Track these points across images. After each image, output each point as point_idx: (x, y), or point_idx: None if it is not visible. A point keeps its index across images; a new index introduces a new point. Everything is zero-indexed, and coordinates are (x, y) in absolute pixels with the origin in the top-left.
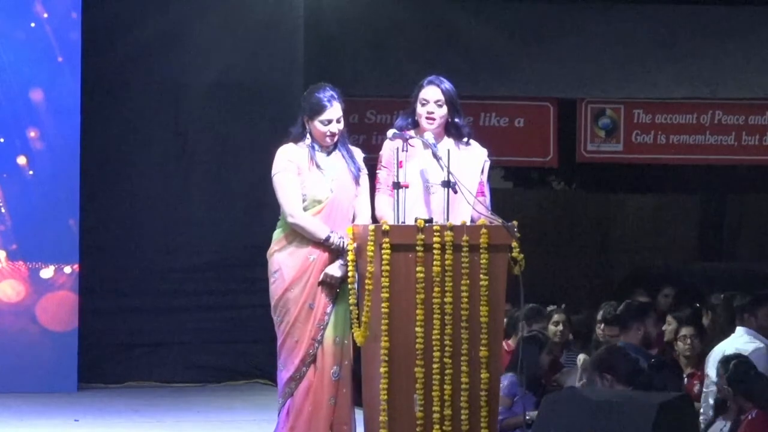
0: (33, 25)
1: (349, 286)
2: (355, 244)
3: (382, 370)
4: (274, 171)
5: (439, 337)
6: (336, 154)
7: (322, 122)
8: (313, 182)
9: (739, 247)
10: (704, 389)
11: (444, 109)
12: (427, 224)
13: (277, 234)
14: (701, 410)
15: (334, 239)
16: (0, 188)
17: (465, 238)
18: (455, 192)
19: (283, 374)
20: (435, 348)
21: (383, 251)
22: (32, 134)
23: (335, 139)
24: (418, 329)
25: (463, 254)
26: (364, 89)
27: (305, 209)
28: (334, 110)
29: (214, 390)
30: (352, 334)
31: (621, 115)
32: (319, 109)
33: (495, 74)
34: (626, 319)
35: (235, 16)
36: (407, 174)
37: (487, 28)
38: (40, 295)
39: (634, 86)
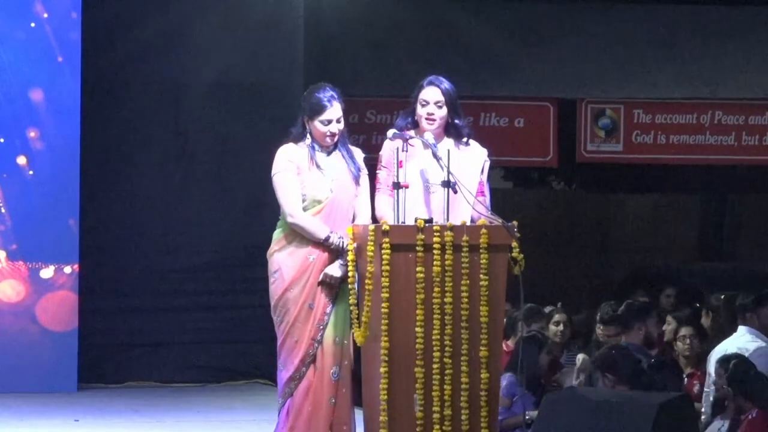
0: (33, 25)
1: (349, 286)
2: (355, 244)
3: (382, 370)
4: (274, 171)
5: (439, 337)
6: (336, 154)
7: (322, 122)
8: (313, 182)
9: (739, 247)
10: (705, 389)
11: (444, 110)
12: (427, 224)
13: (277, 234)
14: (702, 410)
15: (334, 239)
16: (0, 188)
17: (465, 238)
18: (455, 192)
19: (283, 374)
20: (435, 348)
21: (383, 251)
22: (32, 134)
23: (335, 139)
24: (418, 329)
25: (463, 254)
26: (364, 89)
27: (305, 209)
28: (334, 110)
29: (214, 390)
30: (352, 334)
31: (621, 115)
32: (319, 109)
33: (495, 74)
34: (628, 319)
35: (235, 16)
36: (407, 174)
37: (487, 28)
38: (40, 295)
39: (634, 86)
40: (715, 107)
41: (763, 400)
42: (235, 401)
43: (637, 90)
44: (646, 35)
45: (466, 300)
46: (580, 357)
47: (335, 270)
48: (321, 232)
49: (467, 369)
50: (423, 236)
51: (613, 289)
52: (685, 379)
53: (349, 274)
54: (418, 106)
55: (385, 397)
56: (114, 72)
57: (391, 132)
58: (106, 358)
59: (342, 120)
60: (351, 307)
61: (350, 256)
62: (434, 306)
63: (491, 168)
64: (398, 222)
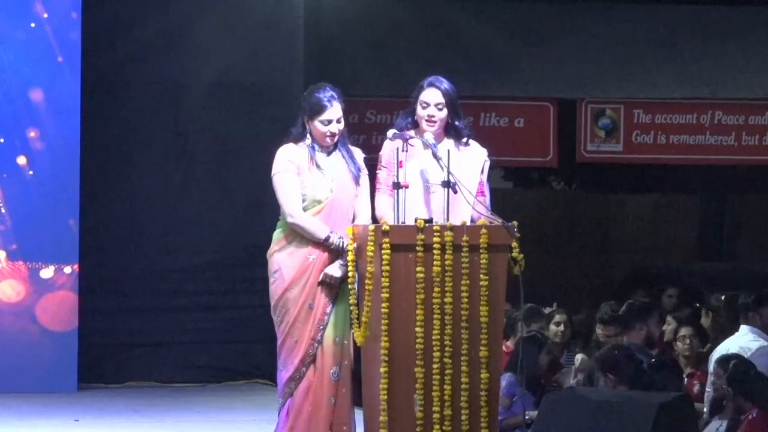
0: (33, 25)
1: (349, 286)
2: (355, 244)
3: (382, 370)
4: (274, 171)
5: (439, 337)
6: (336, 154)
7: (322, 122)
8: (313, 182)
9: (739, 247)
10: (707, 389)
11: (444, 112)
12: (427, 224)
13: (277, 234)
14: (703, 410)
15: (334, 239)
16: (0, 188)
17: (465, 238)
18: (455, 192)
19: (283, 374)
20: (435, 348)
21: (383, 251)
22: (32, 134)
23: (335, 139)
24: (418, 329)
25: (463, 254)
26: (364, 89)
27: (305, 209)
28: (334, 110)
29: (214, 390)
30: (352, 334)
31: (621, 115)
32: (319, 109)
33: (495, 74)
34: (629, 319)
35: (235, 16)
36: (407, 174)
37: (487, 28)
38: (40, 295)
39: (634, 86)
40: (715, 107)
41: (763, 400)
42: (235, 401)
43: (637, 90)
44: (646, 35)
45: (466, 300)
46: (579, 357)
47: (335, 270)
48: (321, 232)
49: (467, 369)
50: (423, 236)
51: (613, 289)
52: (685, 379)
53: (349, 274)
54: (419, 108)
55: (385, 397)
56: (114, 72)
57: (391, 132)
58: (106, 358)
59: (342, 120)
60: (351, 307)
61: (350, 256)
62: (434, 306)
63: (491, 168)
64: (398, 222)
